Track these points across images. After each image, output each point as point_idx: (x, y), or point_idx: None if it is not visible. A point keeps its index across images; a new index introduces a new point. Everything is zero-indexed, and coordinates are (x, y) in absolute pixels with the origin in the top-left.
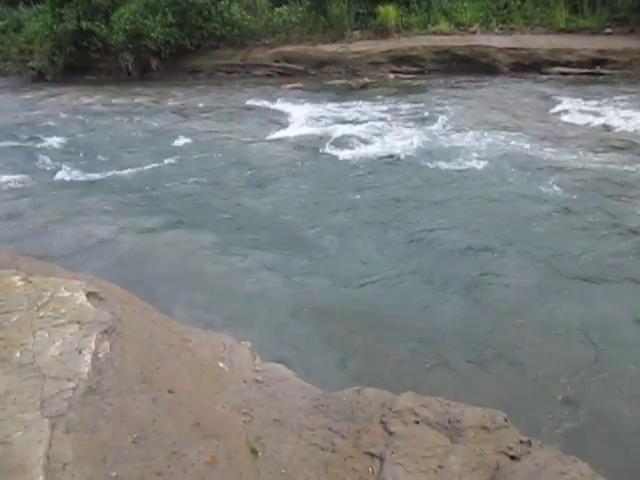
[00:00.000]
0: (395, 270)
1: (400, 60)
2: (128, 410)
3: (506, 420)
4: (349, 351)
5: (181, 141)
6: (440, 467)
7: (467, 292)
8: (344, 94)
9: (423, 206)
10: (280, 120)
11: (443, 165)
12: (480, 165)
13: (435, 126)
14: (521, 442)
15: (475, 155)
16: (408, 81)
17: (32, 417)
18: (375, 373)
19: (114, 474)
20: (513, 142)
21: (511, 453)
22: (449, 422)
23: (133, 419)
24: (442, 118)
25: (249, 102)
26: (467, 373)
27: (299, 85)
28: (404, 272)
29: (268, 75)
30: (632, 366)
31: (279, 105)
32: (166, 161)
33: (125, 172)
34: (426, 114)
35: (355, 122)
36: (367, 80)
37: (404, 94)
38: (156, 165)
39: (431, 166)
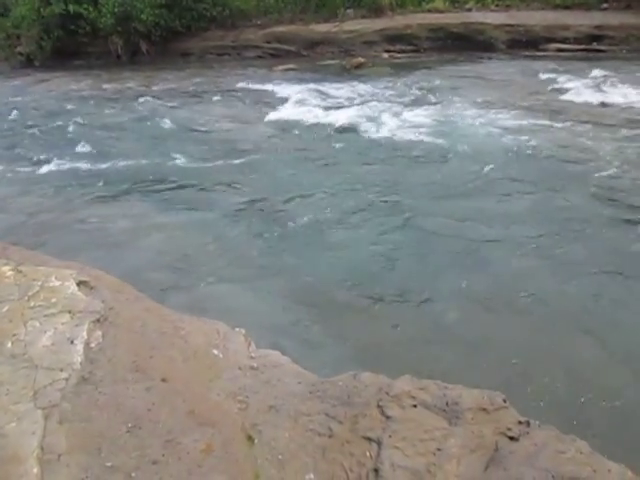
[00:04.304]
0: (390, 251)
1: (394, 39)
2: (122, 399)
3: (505, 401)
4: (345, 335)
5: (172, 126)
6: (438, 450)
7: (463, 273)
8: (337, 75)
9: (415, 187)
10: (272, 102)
11: (438, 144)
12: (475, 144)
13: (430, 105)
14: (520, 423)
15: (471, 134)
16: (403, 60)
17: (25, 408)
18: (372, 357)
19: (109, 464)
20: (510, 121)
21: (510, 434)
22: (447, 405)
23: (127, 408)
24: (437, 97)
25: (240, 84)
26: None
27: (291, 66)
28: (399, 253)
29: (260, 57)
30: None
31: (271, 87)
32: (156, 147)
33: (114, 159)
34: (421, 93)
35: (349, 103)
36: (361, 60)
37: (399, 73)
38: (146, 151)
39: (426, 146)
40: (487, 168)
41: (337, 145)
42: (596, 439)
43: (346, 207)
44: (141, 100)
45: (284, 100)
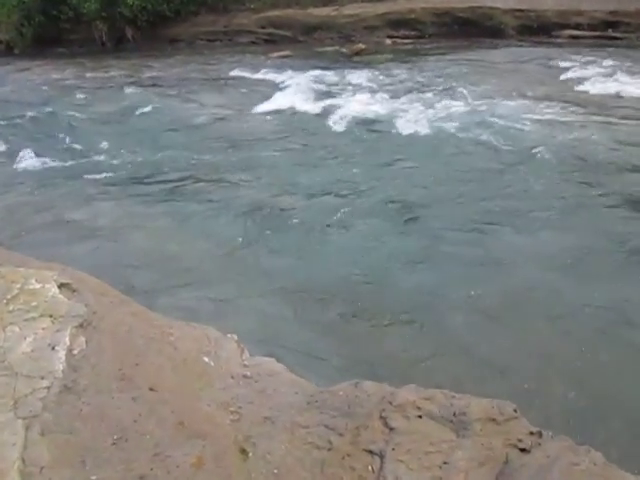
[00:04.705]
0: (397, 254)
1: (397, 24)
2: (107, 410)
3: (515, 411)
4: (345, 341)
5: (159, 117)
6: (445, 463)
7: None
8: (336, 62)
9: (423, 183)
10: (266, 92)
11: (444, 138)
12: (484, 138)
13: (436, 96)
14: (531, 433)
15: (480, 127)
16: (406, 47)
17: (5, 418)
18: (374, 365)
19: (94, 478)
20: (521, 113)
21: (521, 445)
22: (454, 415)
23: (112, 419)
24: (443, 87)
25: (232, 72)
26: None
27: (287, 53)
28: (406, 256)
29: (253, 43)
30: None
31: (265, 75)
32: (143, 140)
33: (98, 153)
34: (426, 82)
35: (349, 93)
36: (361, 46)
37: (402, 61)
38: (132, 145)
39: (432, 139)
40: (498, 164)
41: (336, 138)
42: (612, 450)
43: (348, 206)
44: (126, 90)
45: (279, 89)
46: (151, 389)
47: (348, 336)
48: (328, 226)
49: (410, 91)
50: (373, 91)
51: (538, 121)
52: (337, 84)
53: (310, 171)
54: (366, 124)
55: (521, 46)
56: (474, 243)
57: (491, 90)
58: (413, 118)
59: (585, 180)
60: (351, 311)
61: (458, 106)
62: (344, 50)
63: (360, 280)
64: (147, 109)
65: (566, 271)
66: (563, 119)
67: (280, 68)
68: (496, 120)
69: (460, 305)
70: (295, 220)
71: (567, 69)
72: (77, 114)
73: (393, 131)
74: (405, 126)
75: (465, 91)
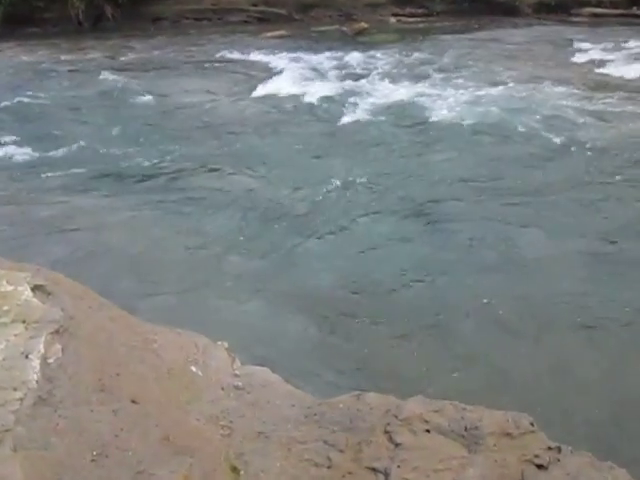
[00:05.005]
0: (404, 255)
1: (403, 1)
2: (85, 424)
3: (532, 424)
4: (346, 349)
5: (141, 105)
6: None
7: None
8: (336, 43)
9: (433, 178)
10: (259, 76)
11: (457, 128)
12: (501, 127)
13: (446, 80)
14: (549, 449)
15: (495, 115)
16: (413, 26)
17: None
18: (378, 375)
19: None
20: (536, 99)
21: (538, 462)
22: (465, 429)
23: (91, 434)
24: (454, 71)
25: (222, 55)
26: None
27: (282, 33)
28: (414, 258)
29: (244, 22)
30: None
31: (258, 58)
32: (124, 129)
33: (75, 143)
34: (435, 65)
35: (350, 77)
36: (364, 25)
37: (409, 42)
38: (112, 135)
39: (442, 128)
40: (518, 155)
41: (337, 127)
42: (637, 467)
43: (349, 201)
44: (105, 74)
45: (274, 73)
46: (133, 401)
47: (350, 344)
48: (330, 225)
49: (419, 75)
50: (377, 75)
51: (556, 107)
52: (337, 67)
53: (308, 165)
54: (371, 113)
55: (538, 25)
56: (495, 244)
57: (506, 74)
58: (425, 105)
59: (620, 173)
60: (354, 317)
61: (471, 92)
62: (344, 29)
63: (365, 283)
64: (128, 95)
65: (597, 278)
66: (583, 106)
67: (274, 50)
68: (511, 107)
69: (475, 312)
70: (294, 219)
71: (587, 50)
72: (51, 100)
73: (401, 120)
74: (416, 114)
75: (479, 75)
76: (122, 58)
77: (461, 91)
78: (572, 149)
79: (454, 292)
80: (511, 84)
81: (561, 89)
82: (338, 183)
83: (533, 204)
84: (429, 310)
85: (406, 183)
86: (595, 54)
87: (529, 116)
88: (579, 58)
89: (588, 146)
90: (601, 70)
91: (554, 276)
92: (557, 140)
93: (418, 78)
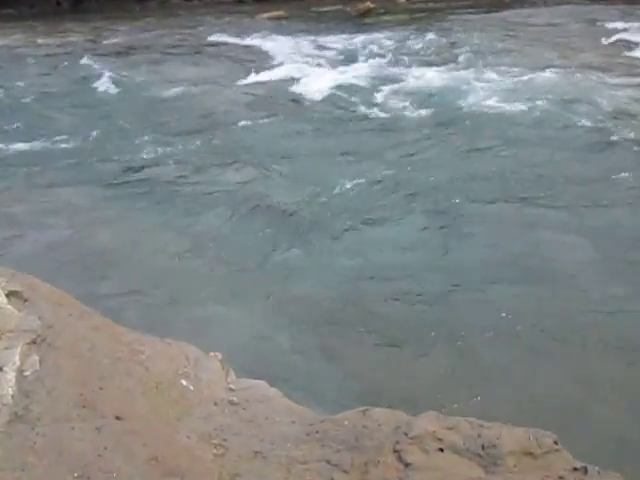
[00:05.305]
0: (416, 261)
1: None
2: (66, 442)
3: (556, 442)
4: (352, 361)
5: (126, 93)
6: None
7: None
8: (340, 25)
9: (451, 177)
10: (255, 62)
11: (475, 120)
12: (526, 119)
13: (461, 66)
14: (575, 469)
15: (517, 105)
16: (423, 5)
17: None
18: (386, 389)
19: None
20: (562, 85)
21: None
22: (482, 448)
23: (72, 454)
24: (470, 55)
25: (213, 38)
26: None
27: (280, 14)
28: (427, 264)
29: (239, 1)
30: None
31: (254, 41)
32: (106, 120)
33: (52, 135)
34: (449, 50)
35: (354, 63)
36: (369, 5)
37: (419, 23)
38: (93, 125)
39: (459, 121)
40: (547, 146)
41: (341, 118)
42: None
43: (360, 199)
44: (86, 59)
45: (271, 59)
46: (118, 418)
47: (356, 356)
48: (339, 227)
49: (430, 61)
50: (384, 61)
51: (583, 97)
52: (341, 52)
53: (310, 160)
54: (376, 103)
55: (562, 3)
56: (524, 250)
57: (527, 58)
58: (435, 95)
59: None
60: (361, 327)
61: (491, 79)
62: (348, 9)
63: (374, 290)
64: (111, 83)
65: (634, 292)
66: (617, 93)
67: (271, 32)
68: (535, 94)
69: (493, 327)
70: (294, 217)
71: (617, 31)
72: (26, 89)
73: (412, 112)
74: (427, 105)
75: (498, 61)
76: (105, 42)
77: (480, 78)
78: (618, 142)
79: (472, 304)
80: (533, 69)
81: (588, 73)
82: (347, 180)
83: (573, 206)
84: (443, 321)
85: (425, 180)
86: (625, 34)
87: (565, 105)
88: (607, 39)
89: (618, 138)
90: (630, 52)
91: (584, 288)
92: (601, 133)
93: (432, 64)
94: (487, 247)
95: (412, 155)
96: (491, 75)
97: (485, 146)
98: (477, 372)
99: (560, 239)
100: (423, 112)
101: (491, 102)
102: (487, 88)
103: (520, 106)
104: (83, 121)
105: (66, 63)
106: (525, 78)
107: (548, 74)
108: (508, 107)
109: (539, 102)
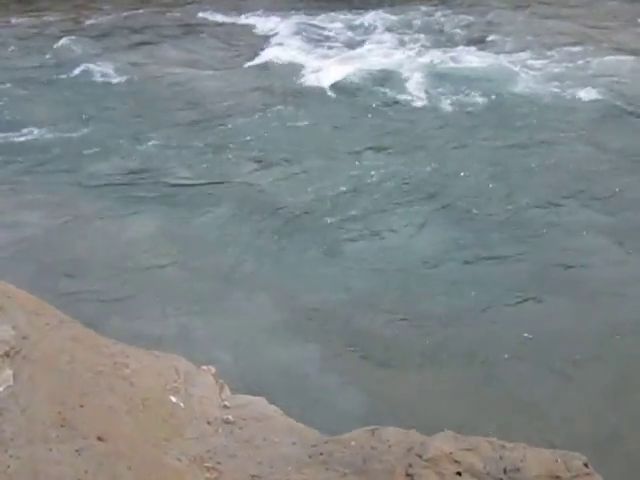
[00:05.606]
0: (429, 266)
1: None
2: (42, 466)
3: (587, 465)
4: (359, 375)
5: (109, 78)
6: None
7: None
8: (346, 1)
9: (468, 173)
10: (250, 43)
11: (498, 109)
12: (556, 108)
13: (488, 46)
14: None
15: (550, 94)
16: None
17: None
18: (397, 406)
19: None
20: (598, 65)
21: None
22: (505, 471)
23: (50, 478)
24: (495, 34)
25: (206, 17)
26: None
27: None
28: (442, 270)
29: None
30: None
31: (249, 20)
32: (85, 108)
33: (26, 125)
34: (472, 29)
35: (362, 44)
36: None
37: None
38: (71, 114)
39: (480, 110)
40: (582, 140)
41: (346, 106)
42: None
43: (360, 197)
44: (67, 41)
45: (267, 39)
46: (100, 439)
47: (365, 371)
48: (338, 225)
49: (449, 42)
50: (396, 41)
51: (616, 77)
52: (345, 31)
53: (310, 152)
54: (387, 88)
55: None
56: (557, 262)
57: (560, 38)
58: (453, 80)
59: None
60: (370, 339)
61: (517, 64)
62: None
63: (383, 300)
64: (91, 67)
65: None
66: None
67: (268, 10)
68: (591, 80)
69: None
70: (293, 216)
71: None
72: None
73: (426, 100)
74: (443, 91)
75: (524, 42)
76: (86, 22)
77: (499, 61)
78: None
79: (494, 321)
80: (558, 48)
81: (625, 56)
82: (346, 177)
83: (622, 215)
84: (462, 338)
85: (450, 179)
86: None
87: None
88: None
89: None
90: None
91: (618, 307)
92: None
93: (446, 45)
94: (522, 256)
95: (443, 149)
96: (538, 58)
97: (535, 140)
98: (500, 391)
99: (608, 251)
100: (456, 99)
101: (541, 88)
102: (534, 73)
103: (574, 93)
104: (60, 109)
105: (43, 46)
106: (579, 62)
107: (605, 57)
108: (561, 94)
109: (597, 89)
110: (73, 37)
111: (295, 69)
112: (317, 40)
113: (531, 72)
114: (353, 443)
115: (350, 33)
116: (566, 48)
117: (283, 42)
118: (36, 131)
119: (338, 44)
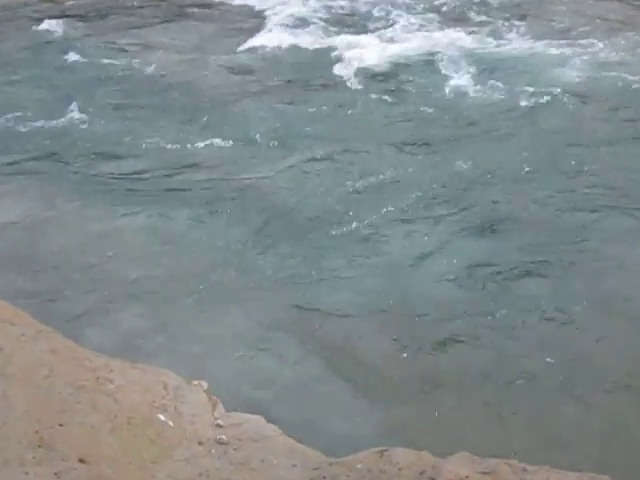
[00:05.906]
0: (441, 272)
1: None
2: None
3: None
4: (365, 390)
5: (94, 63)
6: None
7: None
8: None
9: (494, 173)
10: (248, 26)
11: (516, 102)
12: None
13: (533, 27)
14: None
15: (567, 80)
16: None
17: None
18: (408, 426)
19: None
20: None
21: None
22: None
23: None
24: (541, 13)
25: None
26: None
27: None
28: (454, 278)
29: None
30: None
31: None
32: (66, 97)
33: (8, 114)
34: (516, 8)
35: (374, 23)
36: None
37: None
38: (50, 103)
39: (494, 102)
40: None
41: (357, 94)
42: None
43: (368, 196)
44: (46, 24)
45: (264, 18)
46: (82, 461)
47: (370, 387)
48: (343, 226)
49: (461, 22)
50: (406, 22)
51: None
52: (355, 12)
53: (313, 145)
54: (401, 73)
55: None
56: (584, 278)
57: (576, 20)
58: (477, 67)
59: None
60: (377, 353)
61: (531, 47)
62: None
63: (391, 311)
64: (76, 52)
65: None
66: None
67: None
68: (587, 73)
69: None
70: (295, 217)
71: None
72: None
73: (447, 87)
74: (465, 78)
75: (571, 22)
76: (68, 2)
77: (516, 45)
78: None
79: (513, 342)
80: (578, 34)
81: None
82: (351, 175)
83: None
84: (474, 362)
85: (486, 181)
86: None
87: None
88: None
89: None
90: None
91: None
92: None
93: (458, 26)
94: (541, 270)
95: (484, 144)
96: (519, 44)
97: (593, 136)
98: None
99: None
100: (498, 87)
101: (597, 75)
102: (586, 57)
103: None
104: (39, 97)
105: (20, 27)
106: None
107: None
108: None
109: (579, 77)
110: (53, 18)
111: (300, 53)
112: (324, 21)
113: (584, 56)
114: (359, 466)
115: (361, 13)
116: (621, 33)
117: (287, 23)
118: (8, 120)
119: (350, 25)
